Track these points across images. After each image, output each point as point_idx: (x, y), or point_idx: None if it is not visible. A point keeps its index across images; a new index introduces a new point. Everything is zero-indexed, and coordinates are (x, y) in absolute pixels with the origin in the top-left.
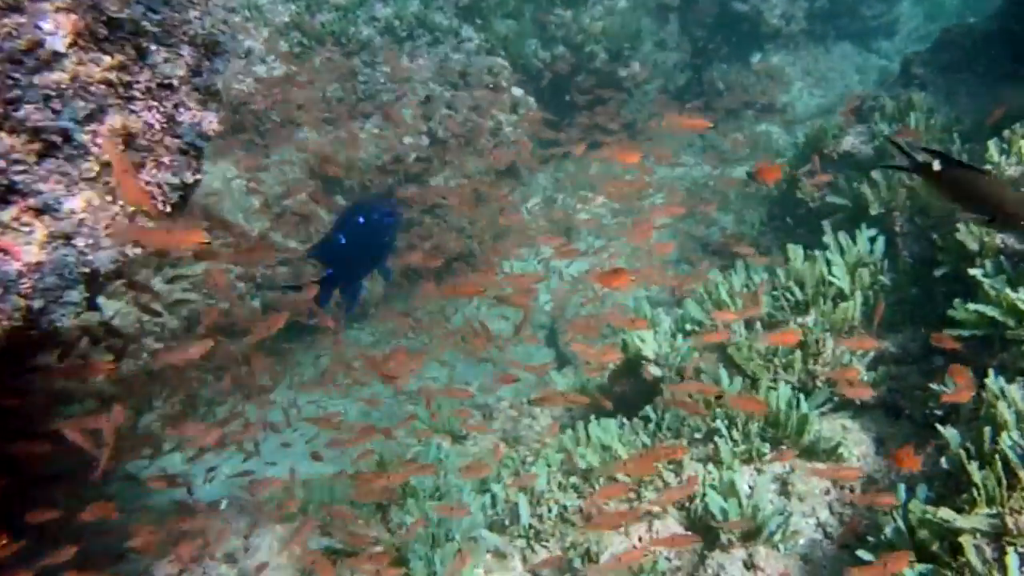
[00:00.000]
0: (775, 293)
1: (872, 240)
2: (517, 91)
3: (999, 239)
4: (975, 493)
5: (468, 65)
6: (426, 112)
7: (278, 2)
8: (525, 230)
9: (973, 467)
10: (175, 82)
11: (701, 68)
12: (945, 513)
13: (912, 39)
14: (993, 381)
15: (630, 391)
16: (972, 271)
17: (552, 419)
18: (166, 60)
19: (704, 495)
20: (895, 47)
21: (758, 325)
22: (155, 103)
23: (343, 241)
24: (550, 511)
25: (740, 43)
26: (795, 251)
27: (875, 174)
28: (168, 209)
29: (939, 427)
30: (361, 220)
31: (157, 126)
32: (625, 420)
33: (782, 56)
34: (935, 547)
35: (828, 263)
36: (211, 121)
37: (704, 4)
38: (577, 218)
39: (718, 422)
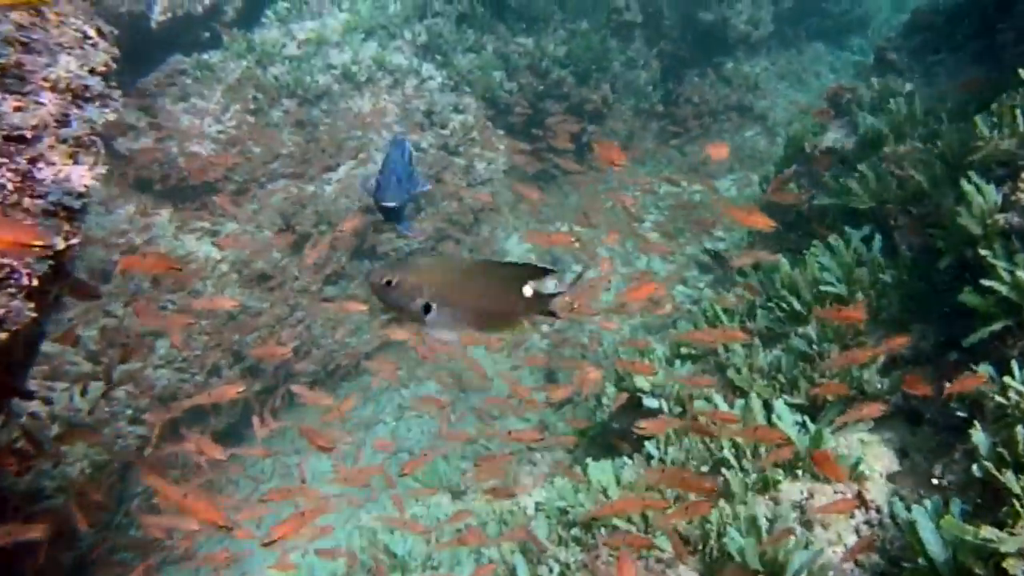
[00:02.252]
0: (769, 305)
1: (868, 238)
2: (487, 125)
3: (1002, 219)
4: (1016, 505)
5: (433, 104)
6: None
7: (229, 59)
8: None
9: (1009, 476)
10: (29, 134)
11: (673, 82)
12: (988, 532)
13: (884, 32)
14: (1017, 375)
15: (630, 428)
16: (983, 252)
17: (553, 462)
18: (16, 109)
19: (720, 535)
20: (868, 42)
21: (755, 340)
22: (3, 160)
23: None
24: (551, 571)
25: (710, 53)
26: (781, 261)
27: (862, 167)
28: (35, 283)
29: (971, 432)
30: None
31: (10, 186)
32: (627, 459)
33: (755, 62)
34: (979, 570)
35: (822, 267)
36: (82, 176)
37: (669, 17)
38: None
39: (725, 451)
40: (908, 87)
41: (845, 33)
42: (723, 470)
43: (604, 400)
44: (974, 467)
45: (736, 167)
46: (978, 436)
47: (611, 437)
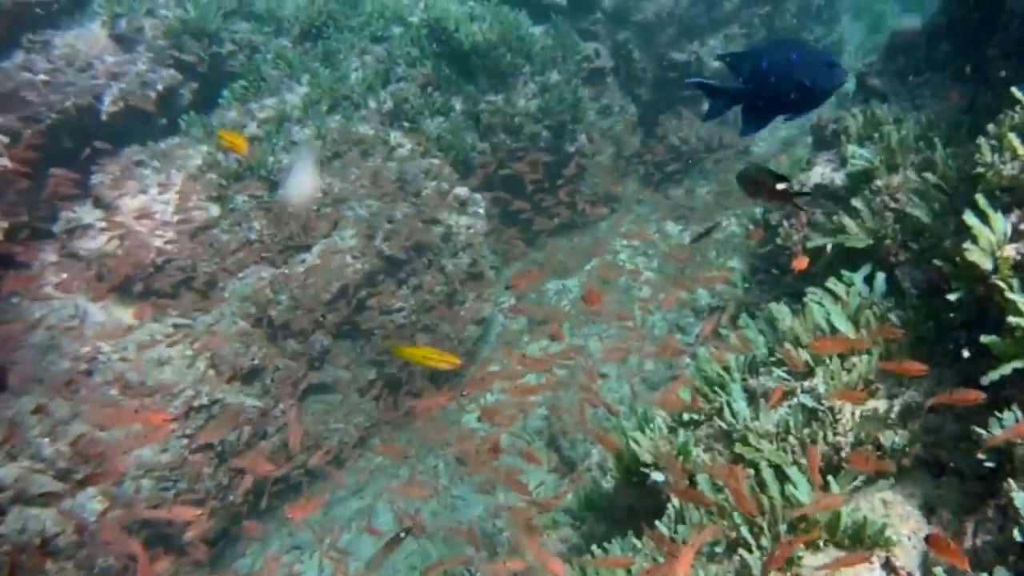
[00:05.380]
0: (771, 360)
1: (869, 277)
2: (461, 190)
3: (1012, 250)
4: None
5: (404, 172)
6: (367, 230)
7: (188, 145)
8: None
9: None
10: None
11: (651, 125)
12: None
13: (860, 55)
14: None
15: (637, 502)
16: (1000, 283)
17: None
18: None
19: None
20: (845, 66)
21: (761, 402)
22: None
23: (764, 66)
24: None
25: (687, 92)
26: (779, 311)
27: (855, 202)
28: None
29: (1006, 488)
30: (795, 56)
31: None
32: (636, 540)
33: None
34: None
35: (827, 315)
36: None
37: (641, 60)
38: (555, 308)
39: (742, 530)
40: (896, 113)
41: None
42: (740, 550)
43: (608, 471)
44: (1015, 532)
45: (724, 205)
46: (1019, 497)
47: (618, 511)
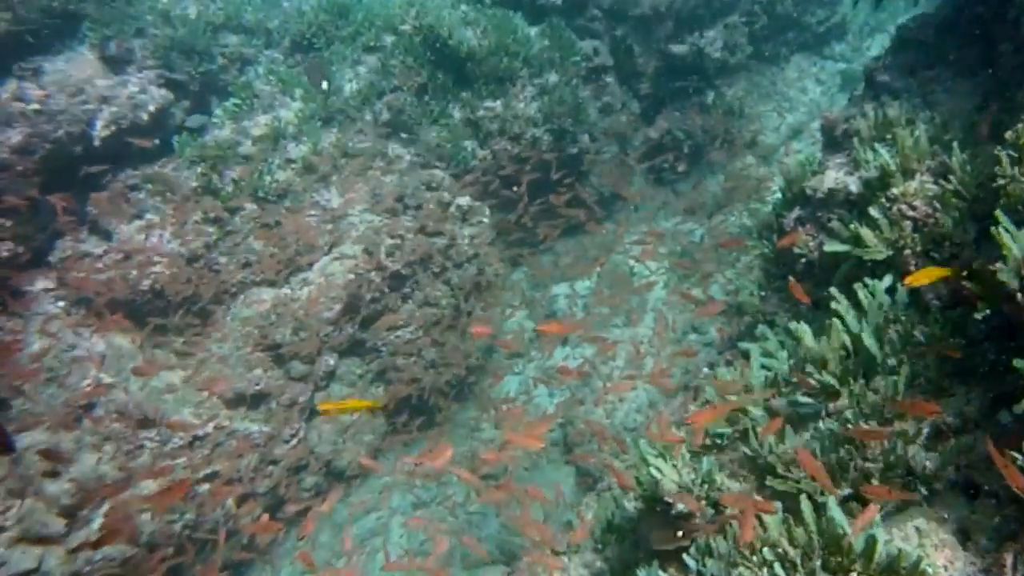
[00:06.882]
0: (794, 380)
1: (891, 290)
2: (463, 199)
3: None
4: None
5: (403, 185)
6: (369, 245)
7: (182, 167)
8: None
9: None
10: None
11: (655, 120)
12: None
13: (864, 35)
14: None
15: (661, 532)
16: None
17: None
18: None
19: None
20: (850, 46)
21: (787, 427)
22: None
23: None
24: None
25: (689, 85)
26: (802, 330)
27: (872, 211)
28: None
29: None
30: None
31: None
32: (662, 573)
33: (737, 86)
34: None
35: (852, 332)
36: None
37: (641, 55)
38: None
39: (776, 567)
40: (907, 112)
41: (825, 41)
42: None
43: (630, 497)
44: None
45: (735, 200)
46: None
47: (641, 536)
